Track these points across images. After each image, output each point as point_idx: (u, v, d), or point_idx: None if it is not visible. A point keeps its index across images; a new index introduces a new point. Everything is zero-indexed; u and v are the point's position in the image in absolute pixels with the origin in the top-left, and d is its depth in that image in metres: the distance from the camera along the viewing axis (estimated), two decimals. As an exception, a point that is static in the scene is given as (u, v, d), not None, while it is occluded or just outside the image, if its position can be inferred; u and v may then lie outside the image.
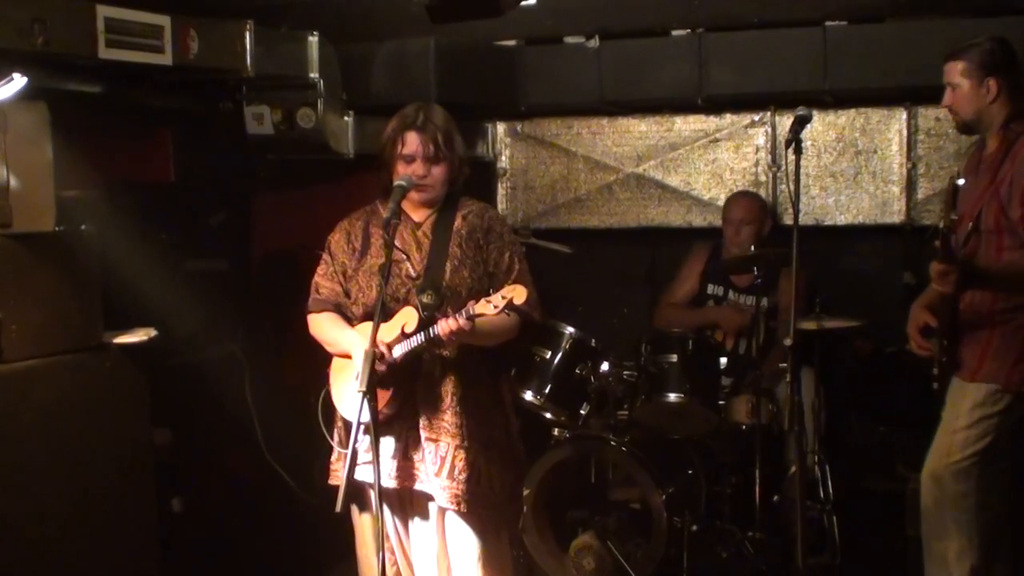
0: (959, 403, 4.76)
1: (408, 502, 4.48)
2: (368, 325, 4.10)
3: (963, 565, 4.73)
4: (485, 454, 4.36)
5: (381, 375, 4.07)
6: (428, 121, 4.35)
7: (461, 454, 4.30)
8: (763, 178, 7.05)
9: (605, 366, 6.03)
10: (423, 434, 4.32)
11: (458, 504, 4.31)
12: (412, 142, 4.35)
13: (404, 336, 4.18)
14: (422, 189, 4.36)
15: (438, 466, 4.31)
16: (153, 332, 5.13)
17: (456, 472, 4.30)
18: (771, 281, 6.35)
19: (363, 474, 4.21)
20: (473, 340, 4.22)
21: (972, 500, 4.71)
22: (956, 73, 4.75)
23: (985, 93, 4.71)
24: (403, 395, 4.29)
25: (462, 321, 4.05)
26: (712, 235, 6.91)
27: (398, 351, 4.18)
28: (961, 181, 4.60)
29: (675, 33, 6.63)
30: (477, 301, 4.08)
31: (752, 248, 6.27)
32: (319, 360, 4.55)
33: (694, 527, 5.85)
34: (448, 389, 4.32)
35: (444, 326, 4.08)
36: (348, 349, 4.33)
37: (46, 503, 4.66)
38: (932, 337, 4.84)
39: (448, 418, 4.31)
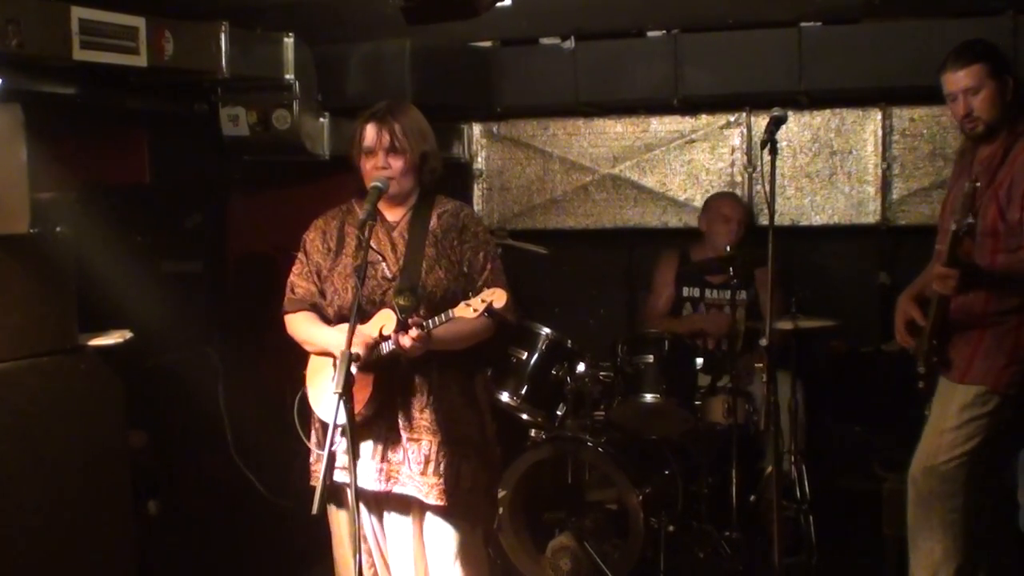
0: (947, 404, 4.76)
1: (384, 502, 4.47)
2: (347, 325, 4.10)
3: (950, 565, 4.73)
4: (460, 451, 4.35)
5: (361, 374, 4.08)
6: (387, 114, 4.36)
7: (444, 450, 4.30)
8: (739, 179, 7.06)
9: (581, 367, 6.05)
10: (404, 435, 4.31)
11: (445, 500, 4.30)
12: (370, 134, 4.36)
13: (382, 338, 4.17)
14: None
15: (423, 465, 4.30)
16: (128, 334, 5.11)
17: (441, 468, 4.30)
18: (747, 276, 6.35)
19: (340, 475, 4.21)
20: (438, 346, 4.22)
21: (959, 501, 4.71)
22: (978, 76, 4.67)
23: (1006, 93, 4.69)
24: (381, 396, 4.28)
25: (413, 332, 4.06)
26: (687, 236, 6.92)
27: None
28: (978, 184, 4.55)
29: (650, 34, 6.63)
30: (455, 303, 4.09)
31: (728, 248, 6.29)
32: (295, 362, 4.54)
33: (671, 527, 5.86)
34: (424, 388, 4.32)
35: (403, 341, 4.09)
36: (327, 347, 4.33)
37: (21, 506, 4.63)
38: (918, 335, 4.84)
39: (426, 415, 4.30)
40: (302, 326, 4.46)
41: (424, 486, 4.31)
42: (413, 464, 4.31)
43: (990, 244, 4.65)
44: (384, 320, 4.21)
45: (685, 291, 6.82)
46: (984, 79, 4.68)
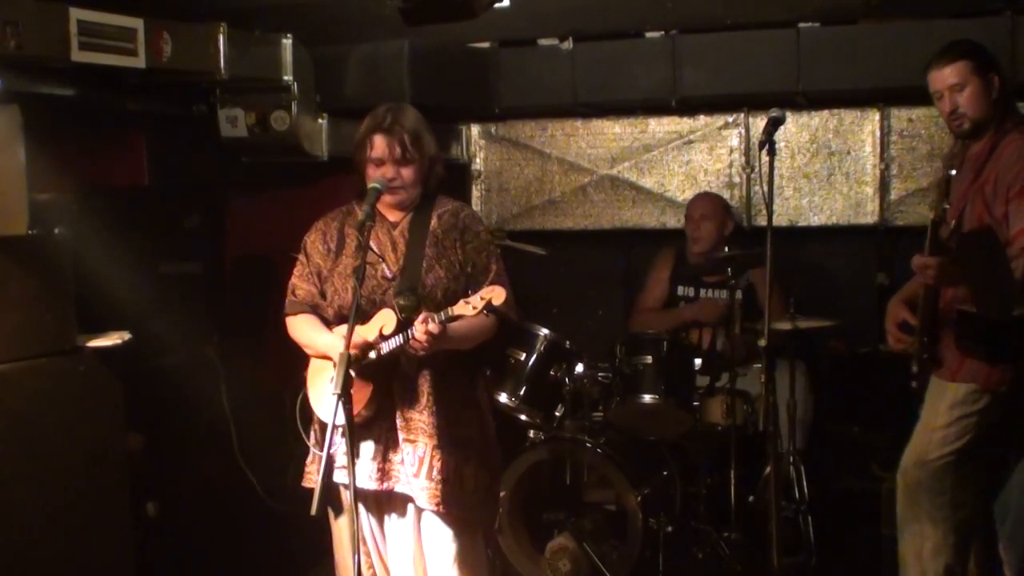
0: (938, 402, 4.77)
1: (384, 503, 4.47)
2: (345, 328, 4.10)
3: (938, 562, 4.75)
4: (460, 454, 4.35)
5: (360, 374, 4.08)
6: (395, 123, 4.35)
7: (438, 454, 4.29)
8: (737, 179, 7.07)
9: (580, 368, 6.04)
10: (401, 435, 4.31)
11: (437, 505, 4.30)
12: (380, 145, 4.35)
13: (383, 338, 4.17)
14: (394, 192, 4.36)
15: (417, 467, 4.30)
16: (127, 335, 5.10)
17: (434, 473, 4.29)
18: (743, 277, 6.36)
19: (339, 476, 4.21)
20: (449, 344, 4.21)
21: (948, 498, 4.73)
22: (962, 73, 4.70)
23: (991, 90, 4.71)
24: (381, 396, 4.28)
25: (432, 326, 4.05)
26: (684, 236, 6.91)
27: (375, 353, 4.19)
28: (953, 172, 4.60)
29: (649, 35, 6.64)
30: (455, 303, 4.09)
31: (724, 248, 6.29)
32: (294, 363, 4.54)
33: (669, 528, 5.86)
34: (423, 389, 4.32)
35: (420, 329, 4.07)
36: (326, 351, 4.33)
37: (19, 508, 4.62)
38: (911, 334, 4.85)
39: (424, 418, 4.30)
40: (303, 329, 4.46)
41: (417, 488, 4.31)
42: (408, 466, 4.32)
43: None
44: (384, 320, 4.21)
45: (680, 290, 6.82)
46: (968, 76, 4.71)
